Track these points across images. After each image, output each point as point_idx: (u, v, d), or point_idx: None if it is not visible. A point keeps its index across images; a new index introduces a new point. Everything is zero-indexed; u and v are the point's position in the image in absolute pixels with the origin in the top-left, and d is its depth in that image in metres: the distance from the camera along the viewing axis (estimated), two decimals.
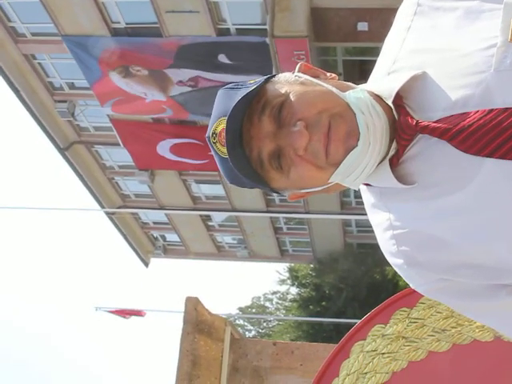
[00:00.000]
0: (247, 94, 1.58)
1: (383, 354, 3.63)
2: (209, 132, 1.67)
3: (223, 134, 1.59)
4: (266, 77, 1.69)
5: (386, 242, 1.70)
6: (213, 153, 1.69)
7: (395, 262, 1.71)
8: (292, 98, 1.60)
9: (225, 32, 18.76)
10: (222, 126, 1.60)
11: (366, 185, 1.74)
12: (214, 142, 1.65)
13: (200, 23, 18.51)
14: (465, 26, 1.60)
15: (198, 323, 5.84)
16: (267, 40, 17.33)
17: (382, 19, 16.37)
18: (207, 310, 6.07)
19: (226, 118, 1.58)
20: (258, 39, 17.89)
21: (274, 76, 1.71)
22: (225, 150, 1.61)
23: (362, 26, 17.31)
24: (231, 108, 1.57)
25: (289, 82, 1.67)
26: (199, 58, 18.98)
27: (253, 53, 18.26)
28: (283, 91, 1.62)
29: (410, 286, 1.76)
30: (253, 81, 1.68)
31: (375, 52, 18.41)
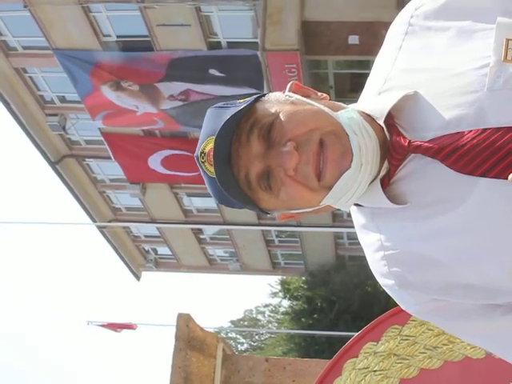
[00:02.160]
0: (236, 113, 1.57)
1: (375, 371, 3.62)
2: (197, 152, 1.66)
3: (211, 153, 1.57)
4: (255, 96, 1.67)
5: (377, 263, 1.69)
6: (201, 173, 1.67)
7: (386, 283, 1.69)
8: (282, 117, 1.58)
9: (216, 45, 18.78)
10: (211, 145, 1.59)
11: (356, 205, 1.72)
12: (202, 162, 1.64)
13: (191, 36, 18.52)
14: (457, 45, 1.59)
15: (190, 339, 5.82)
16: (258, 53, 17.35)
17: (373, 32, 16.41)
18: (199, 326, 6.04)
19: (214, 137, 1.56)
20: (249, 52, 17.90)
21: (264, 95, 1.69)
22: (213, 169, 1.59)
23: (353, 40, 17.35)
24: (219, 127, 1.55)
25: (279, 101, 1.65)
26: (190, 71, 18.97)
27: (244, 66, 18.27)
28: (273, 110, 1.60)
29: (402, 307, 1.73)
30: (242, 100, 1.66)
31: (366, 65, 18.46)
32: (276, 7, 16.89)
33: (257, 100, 1.65)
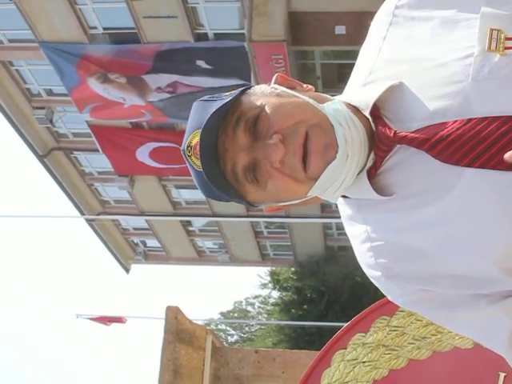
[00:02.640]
0: (221, 106, 1.57)
1: (364, 362, 3.63)
2: (184, 145, 1.66)
3: (198, 147, 1.58)
4: (241, 89, 1.67)
5: (364, 255, 1.69)
6: (188, 166, 1.67)
7: (373, 274, 1.69)
8: (268, 110, 1.58)
9: (203, 37, 18.73)
10: (197, 138, 1.59)
11: (343, 197, 1.73)
12: (189, 156, 1.64)
13: (178, 28, 18.47)
14: (441, 35, 1.59)
15: (179, 332, 5.80)
16: (245, 44, 17.33)
17: (360, 22, 16.40)
18: (188, 318, 6.03)
19: (200, 130, 1.56)
20: (236, 44, 17.88)
21: (249, 88, 1.69)
22: (199, 163, 1.59)
23: (340, 30, 17.34)
24: (205, 120, 1.56)
25: (264, 93, 1.66)
26: (178, 63, 18.94)
27: (231, 57, 18.25)
28: (259, 103, 1.61)
29: (388, 298, 1.73)
30: (228, 93, 1.66)
31: (353, 55, 18.34)
32: None
33: (242, 93, 1.65)
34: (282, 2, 16.85)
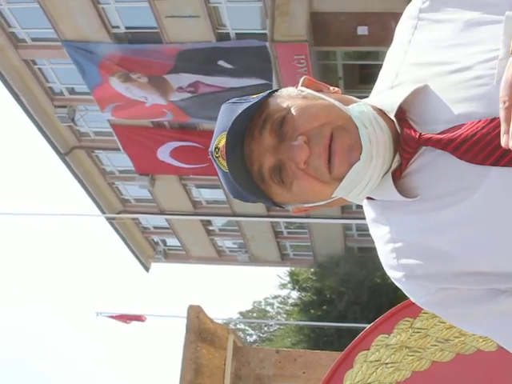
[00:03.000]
0: (248, 107, 1.59)
1: (387, 363, 3.63)
2: (211, 147, 1.67)
3: (225, 148, 1.59)
4: (268, 91, 1.68)
5: (387, 256, 1.70)
6: (216, 168, 1.69)
7: (395, 275, 1.70)
8: (294, 112, 1.60)
9: (225, 37, 18.76)
10: (224, 140, 1.60)
11: (368, 198, 1.74)
12: (216, 157, 1.66)
13: (200, 28, 18.51)
14: (466, 38, 1.60)
15: (201, 331, 5.82)
16: (267, 44, 17.33)
17: (382, 23, 16.37)
18: (209, 318, 6.04)
19: (227, 132, 1.58)
20: (258, 43, 17.88)
21: (276, 90, 1.70)
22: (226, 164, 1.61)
23: (362, 30, 17.30)
24: (231, 122, 1.57)
25: (291, 96, 1.67)
26: (199, 63, 18.97)
27: (253, 57, 18.26)
28: (285, 105, 1.62)
29: (411, 299, 1.74)
30: (255, 95, 1.67)
31: (375, 56, 18.41)
32: None
33: (270, 95, 1.67)
34: (304, 2, 16.84)
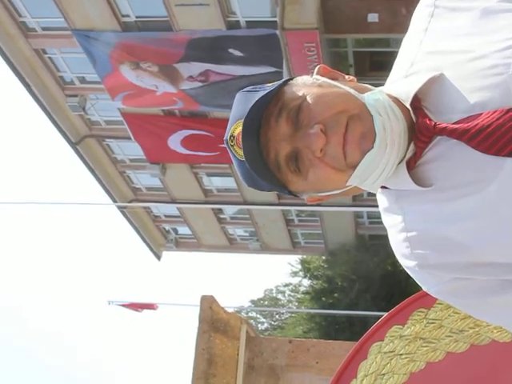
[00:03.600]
0: (263, 96, 1.59)
1: (401, 354, 3.63)
2: (227, 135, 1.67)
3: (240, 136, 1.60)
4: (283, 79, 1.68)
5: (400, 245, 1.70)
6: (231, 156, 1.69)
7: (408, 264, 1.70)
8: (309, 100, 1.59)
9: (235, 25, 18.73)
10: (240, 128, 1.60)
11: (382, 187, 1.73)
12: (231, 145, 1.66)
13: (210, 16, 18.48)
14: (481, 26, 1.59)
15: (214, 322, 5.85)
16: (277, 32, 17.29)
17: (393, 10, 16.33)
18: (222, 308, 6.07)
19: (243, 120, 1.58)
20: (268, 31, 17.85)
21: (291, 79, 1.70)
22: (242, 152, 1.61)
23: (373, 18, 17.24)
24: (247, 110, 1.57)
25: (306, 84, 1.66)
26: (209, 51, 18.96)
27: (263, 45, 18.24)
28: (300, 94, 1.61)
29: (423, 288, 1.75)
30: (271, 84, 1.67)
31: (386, 43, 18.36)
32: None
33: (285, 83, 1.66)
34: None
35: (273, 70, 18.57)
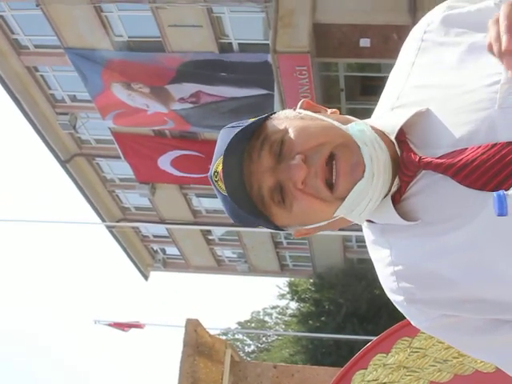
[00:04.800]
0: (244, 128, 1.58)
1: (384, 383, 3.62)
2: (211, 171, 1.67)
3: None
4: (265, 115, 1.68)
5: (387, 279, 1.69)
6: (215, 192, 1.68)
7: (395, 298, 1.69)
8: (291, 132, 1.59)
9: (227, 47, 18.81)
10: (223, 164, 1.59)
11: (368, 221, 1.73)
12: (215, 181, 1.65)
13: (202, 38, 18.56)
14: (469, 61, 1.60)
15: (199, 345, 5.82)
16: (269, 57, 17.35)
17: (385, 35, 16.40)
18: (207, 332, 6.05)
19: (223, 153, 1.57)
20: (260, 58, 17.95)
21: (274, 113, 1.69)
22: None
23: (364, 42, 17.31)
24: (227, 144, 1.56)
25: (288, 117, 1.66)
26: (201, 72, 19.01)
27: (255, 68, 18.30)
28: (282, 127, 1.61)
29: (412, 323, 1.74)
30: (254, 118, 1.66)
31: (377, 68, 18.44)
32: (287, 9, 16.89)
33: (267, 118, 1.66)
34: (306, 14, 16.85)
35: (264, 92, 18.62)
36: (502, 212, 1.34)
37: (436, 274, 1.57)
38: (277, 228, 1.71)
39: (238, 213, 1.65)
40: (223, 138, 1.66)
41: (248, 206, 1.61)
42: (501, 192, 1.35)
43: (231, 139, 1.56)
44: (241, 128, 1.58)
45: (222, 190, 1.63)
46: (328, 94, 18.89)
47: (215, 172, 1.64)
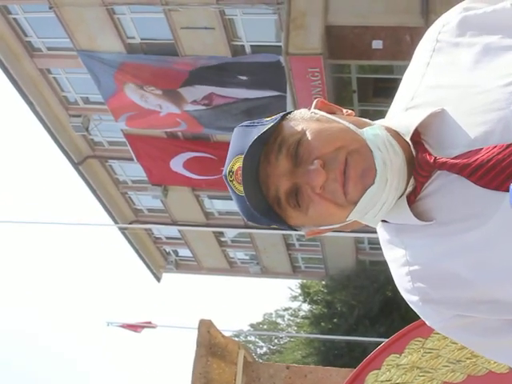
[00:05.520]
0: (263, 132, 1.58)
1: (398, 383, 3.62)
2: (225, 170, 1.67)
3: (240, 172, 1.60)
4: (281, 114, 1.68)
5: (402, 279, 1.69)
6: (230, 191, 1.68)
7: (410, 298, 1.69)
8: (309, 135, 1.60)
9: (239, 49, 18.84)
10: (239, 164, 1.61)
11: (382, 221, 1.73)
12: (230, 181, 1.66)
13: (215, 40, 18.59)
14: (484, 62, 1.60)
15: (211, 346, 5.82)
16: (281, 58, 17.36)
17: (397, 37, 16.37)
18: (220, 332, 6.05)
19: (243, 156, 1.57)
20: (273, 58, 17.95)
21: (289, 113, 1.70)
22: (241, 188, 1.61)
23: (377, 44, 17.27)
24: (248, 147, 1.57)
25: (304, 118, 1.66)
26: (214, 75, 19.03)
27: (267, 69, 18.31)
28: (299, 129, 1.62)
29: (427, 323, 1.73)
30: (269, 118, 1.67)
31: (390, 70, 18.40)
32: (300, 11, 16.88)
33: (283, 118, 1.66)
34: (319, 16, 16.84)
35: (276, 93, 18.63)
36: None
37: (451, 273, 1.57)
38: (290, 228, 1.72)
39: (252, 213, 1.66)
40: (239, 137, 1.68)
41: (263, 208, 1.62)
42: None
43: (251, 145, 1.57)
44: (260, 132, 1.59)
45: (236, 190, 1.65)
46: (340, 96, 18.86)
47: (230, 172, 1.65)
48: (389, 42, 16.87)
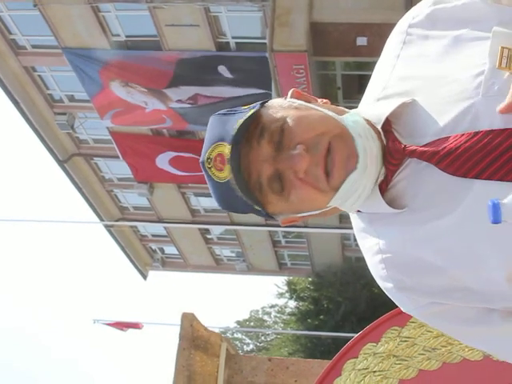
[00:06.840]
0: (246, 119, 1.59)
1: (374, 372, 3.65)
2: (203, 157, 1.67)
3: (218, 158, 1.59)
4: (260, 102, 1.69)
5: (376, 267, 1.71)
6: (206, 178, 1.68)
7: (385, 286, 1.71)
8: (290, 122, 1.61)
9: (224, 46, 18.83)
10: (217, 151, 1.60)
11: (356, 211, 1.75)
12: (208, 167, 1.64)
13: (200, 37, 18.57)
14: (453, 53, 1.62)
15: (194, 339, 5.84)
16: (266, 54, 17.36)
17: (382, 34, 16.38)
18: (203, 325, 6.07)
19: (230, 143, 1.57)
20: (258, 54, 17.94)
21: (266, 101, 1.71)
22: (220, 174, 1.61)
23: (362, 41, 17.31)
24: (233, 134, 1.58)
25: (283, 107, 1.67)
26: (199, 73, 19.00)
27: (252, 66, 18.30)
28: (279, 116, 1.63)
29: (402, 309, 1.76)
30: (246, 106, 1.68)
31: (374, 67, 18.41)
32: (284, 8, 16.89)
33: (261, 106, 1.67)
34: (303, 13, 16.86)
35: (261, 91, 18.60)
36: (496, 220, 1.35)
37: (423, 260, 1.60)
38: (267, 215, 1.72)
39: (227, 200, 1.66)
40: (215, 125, 1.67)
41: (246, 194, 1.62)
42: (495, 200, 1.36)
43: (237, 130, 1.58)
44: (241, 119, 1.60)
45: (214, 177, 1.64)
46: (325, 93, 18.87)
47: (208, 158, 1.64)
48: (373, 38, 16.89)
